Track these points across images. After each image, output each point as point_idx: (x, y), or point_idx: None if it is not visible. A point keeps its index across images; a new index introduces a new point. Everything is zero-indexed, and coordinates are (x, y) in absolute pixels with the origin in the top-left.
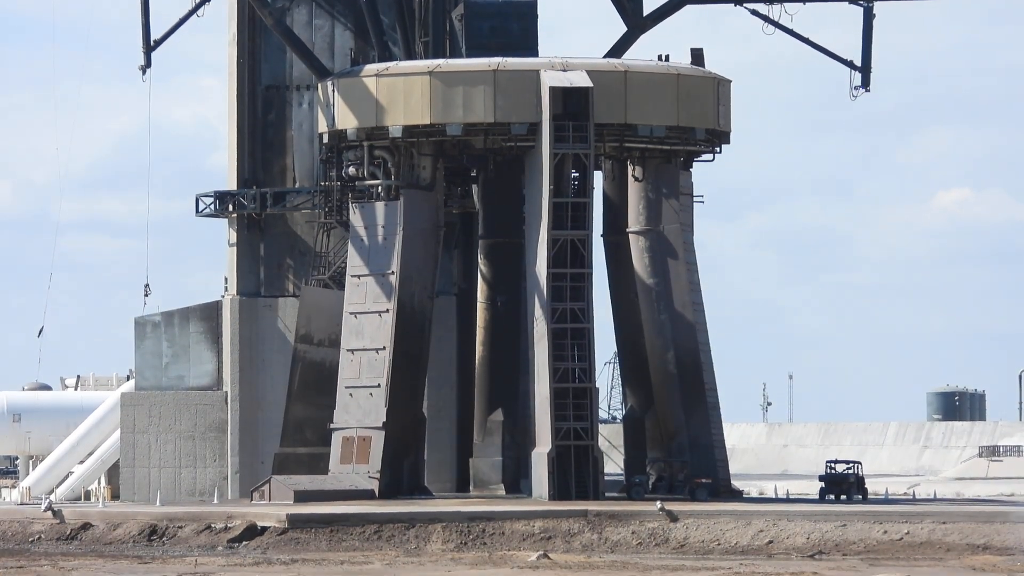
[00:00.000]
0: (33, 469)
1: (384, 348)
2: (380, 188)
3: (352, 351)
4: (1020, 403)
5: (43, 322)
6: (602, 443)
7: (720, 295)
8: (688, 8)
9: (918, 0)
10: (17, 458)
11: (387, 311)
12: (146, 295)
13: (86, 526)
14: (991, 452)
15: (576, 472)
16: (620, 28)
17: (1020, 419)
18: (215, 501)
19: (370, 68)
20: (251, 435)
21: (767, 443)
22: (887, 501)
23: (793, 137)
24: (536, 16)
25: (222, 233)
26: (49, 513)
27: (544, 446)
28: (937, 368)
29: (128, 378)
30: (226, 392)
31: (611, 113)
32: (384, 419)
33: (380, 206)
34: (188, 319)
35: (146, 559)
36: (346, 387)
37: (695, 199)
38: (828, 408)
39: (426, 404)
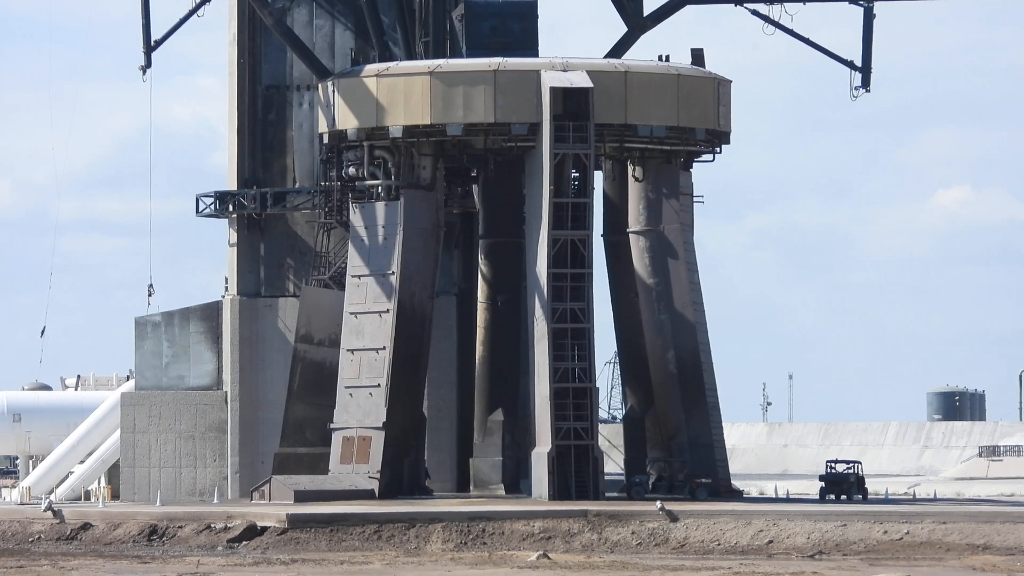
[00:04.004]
0: (33, 469)
1: (384, 348)
2: (380, 188)
3: (352, 351)
4: (1020, 403)
5: (44, 322)
6: (602, 443)
7: (720, 295)
8: (688, 8)
9: (918, 0)
10: (17, 458)
11: (387, 311)
12: (150, 295)
13: (86, 526)
14: (991, 452)
15: (576, 472)
16: (620, 28)
17: (1020, 419)
18: (215, 501)
19: (370, 68)
20: (251, 435)
21: (767, 443)
22: (887, 501)
23: (793, 137)
24: (536, 16)
25: (222, 233)
26: (49, 513)
27: (544, 446)
28: (937, 368)
29: (128, 378)
30: (226, 392)
31: (611, 113)
32: (384, 419)
33: (380, 206)
34: (188, 319)
35: (146, 559)
36: (346, 387)
37: (695, 199)
38: (828, 408)
39: (426, 404)
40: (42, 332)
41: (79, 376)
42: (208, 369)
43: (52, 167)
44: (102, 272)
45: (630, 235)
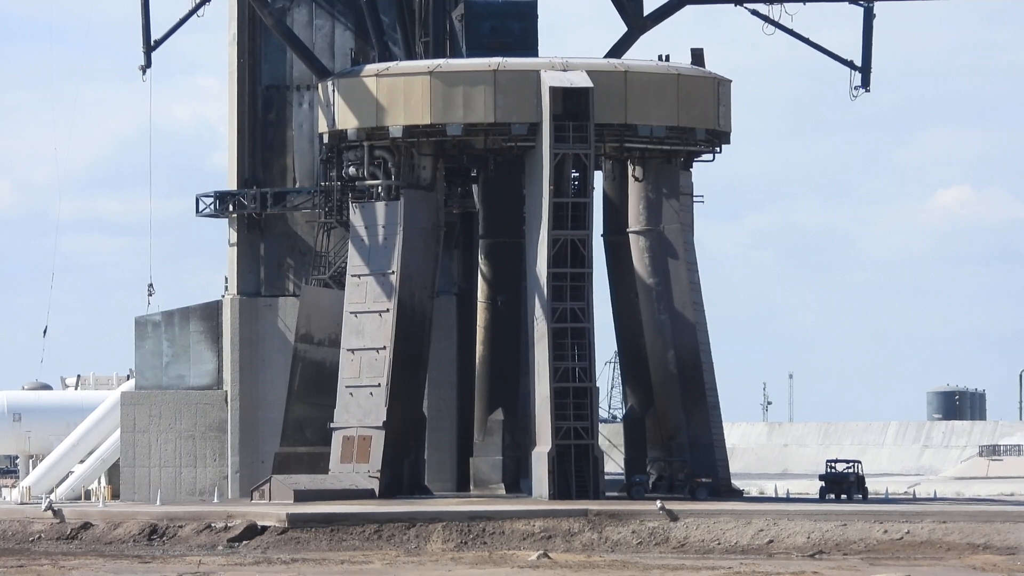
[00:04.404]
0: (33, 468)
1: (384, 348)
2: (380, 188)
3: (352, 351)
4: (1020, 403)
5: (46, 322)
6: (602, 442)
7: (720, 295)
8: (688, 8)
9: (918, 0)
10: (17, 457)
11: (387, 311)
12: (150, 295)
13: (86, 526)
14: (991, 452)
15: (576, 472)
16: (620, 28)
17: (1020, 419)
18: (215, 501)
19: (370, 68)
20: (251, 435)
21: (767, 443)
22: (887, 501)
23: (793, 137)
24: (536, 16)
25: (222, 233)
26: (49, 512)
27: (544, 446)
28: (937, 368)
29: (128, 377)
30: (226, 392)
31: (611, 113)
32: (384, 419)
33: (380, 206)
34: (188, 319)
35: (146, 559)
36: (346, 387)
37: (695, 199)
38: (828, 408)
39: (426, 404)
40: (44, 332)
41: (79, 376)
42: (208, 369)
43: (53, 167)
44: (102, 272)
45: (630, 235)
